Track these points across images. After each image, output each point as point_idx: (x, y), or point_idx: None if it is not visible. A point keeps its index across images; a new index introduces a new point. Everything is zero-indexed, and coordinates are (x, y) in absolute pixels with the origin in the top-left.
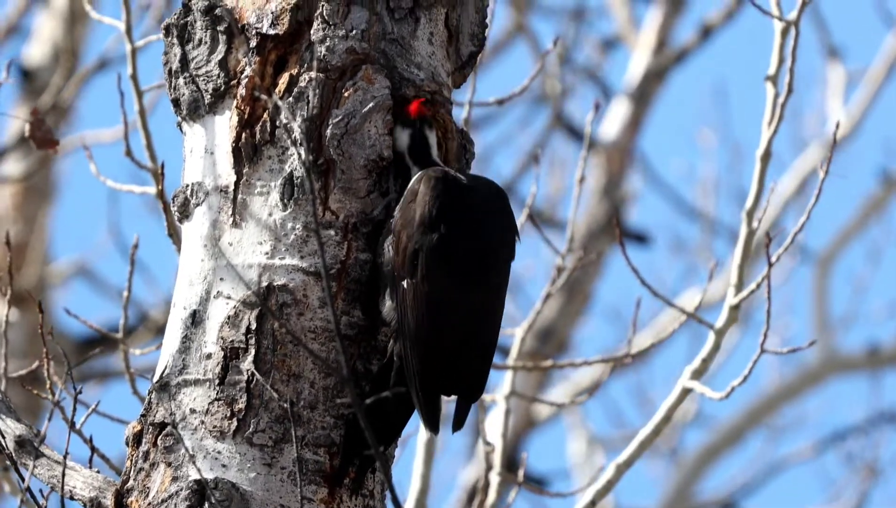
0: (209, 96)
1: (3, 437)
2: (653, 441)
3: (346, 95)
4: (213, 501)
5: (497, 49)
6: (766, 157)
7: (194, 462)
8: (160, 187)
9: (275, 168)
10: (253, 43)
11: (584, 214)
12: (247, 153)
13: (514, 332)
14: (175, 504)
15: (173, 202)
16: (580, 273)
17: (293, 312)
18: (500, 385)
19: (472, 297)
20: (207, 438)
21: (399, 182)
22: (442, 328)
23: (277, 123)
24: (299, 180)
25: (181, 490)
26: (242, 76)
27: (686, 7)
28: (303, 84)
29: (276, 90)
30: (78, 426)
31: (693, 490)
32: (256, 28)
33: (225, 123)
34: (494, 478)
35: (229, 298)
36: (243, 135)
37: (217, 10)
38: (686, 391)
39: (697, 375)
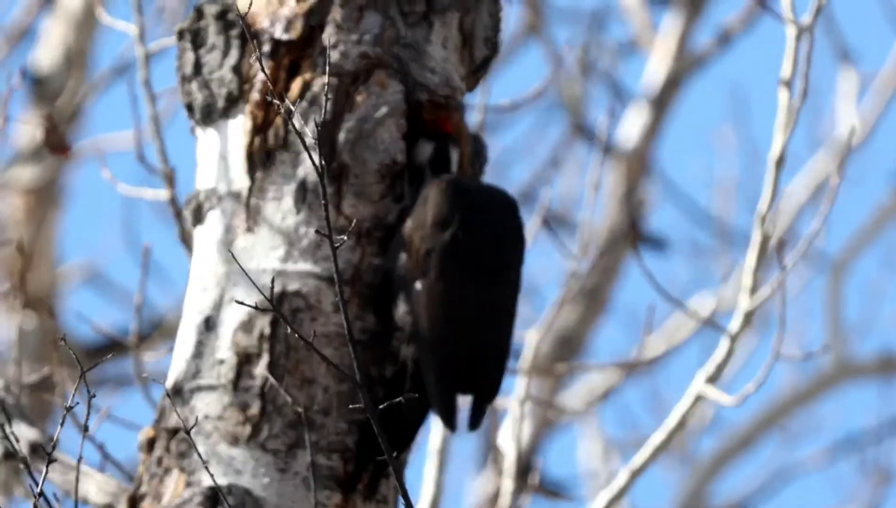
0: (222, 101)
1: (17, 441)
2: (666, 447)
3: (359, 99)
4: (227, 507)
5: (511, 51)
6: (781, 161)
7: (207, 468)
8: (172, 192)
9: (288, 173)
10: (266, 48)
11: (603, 220)
12: (260, 158)
13: (529, 336)
14: None
15: (186, 207)
16: (600, 279)
17: (306, 317)
18: (514, 390)
19: (486, 296)
20: (221, 444)
21: (413, 187)
22: (457, 326)
23: (290, 128)
24: (312, 185)
25: (195, 495)
26: (255, 81)
27: (705, 12)
28: (316, 89)
29: (289, 95)
30: (90, 431)
31: (706, 495)
32: (269, 33)
33: (238, 128)
34: (507, 484)
35: (243, 303)
36: (256, 140)
37: (230, 15)
38: (700, 397)
39: (711, 380)
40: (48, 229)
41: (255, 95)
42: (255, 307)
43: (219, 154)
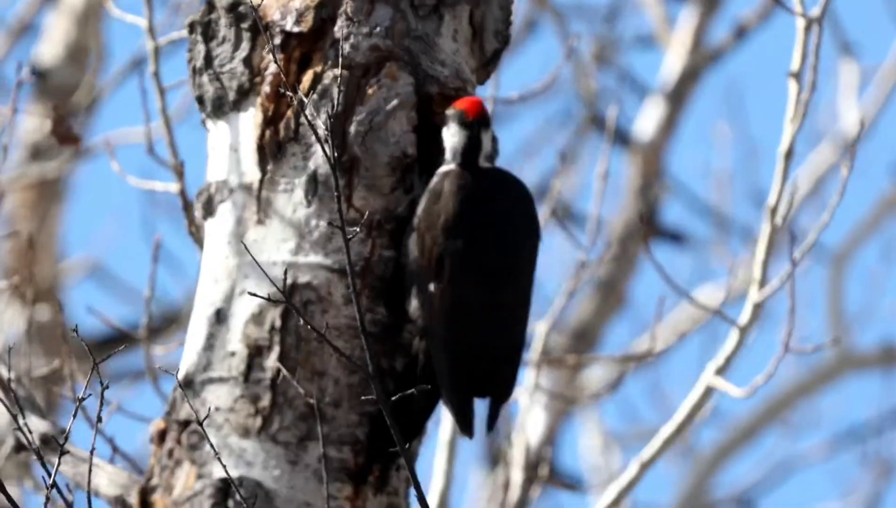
0: (233, 94)
1: (29, 433)
2: (676, 439)
3: (370, 92)
4: (238, 499)
5: (519, 41)
6: (789, 154)
7: (219, 460)
8: (182, 185)
9: (299, 165)
10: (277, 40)
11: (619, 213)
12: (271, 151)
13: (538, 328)
14: (200, 502)
15: (197, 200)
16: (616, 273)
17: (317, 309)
18: (524, 382)
19: (499, 299)
20: (232, 436)
21: (424, 179)
22: (470, 332)
23: (301, 120)
24: (323, 178)
25: (206, 487)
26: (266, 74)
27: (721, 7)
28: (327, 81)
29: (301, 88)
30: (99, 426)
31: (708, 488)
32: (280, 25)
33: (249, 121)
34: (517, 476)
35: (254, 295)
36: (267, 132)
37: (241, 8)
38: (709, 389)
39: (720, 372)
40: (51, 224)
41: (266, 88)
42: (267, 299)
43: (230, 147)
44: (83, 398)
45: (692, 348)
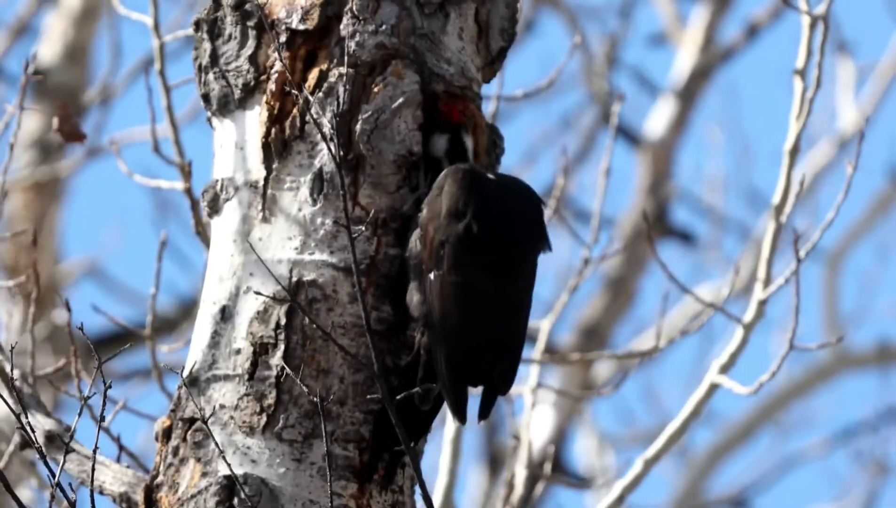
0: (239, 92)
1: (34, 431)
2: (680, 437)
3: (375, 90)
4: (243, 496)
5: (522, 38)
6: (795, 151)
7: (224, 458)
8: (188, 184)
9: (304, 163)
10: (283, 38)
11: (630, 212)
12: (276, 149)
13: (542, 324)
14: (205, 500)
15: (203, 197)
16: (626, 271)
17: (323, 307)
18: (527, 379)
19: (499, 288)
20: (237, 433)
21: (429, 177)
22: (469, 318)
23: (307, 118)
24: (328, 176)
25: (211, 485)
26: (272, 72)
27: (732, 5)
28: (332, 79)
29: (306, 86)
30: (106, 423)
31: (704, 488)
32: (286, 23)
33: (255, 119)
34: (520, 473)
35: (259, 293)
36: (273, 130)
37: (247, 6)
38: (714, 386)
39: (724, 370)
40: (50, 224)
41: (271, 86)
42: (273, 297)
43: (235, 145)
44: (88, 396)
45: (686, 350)
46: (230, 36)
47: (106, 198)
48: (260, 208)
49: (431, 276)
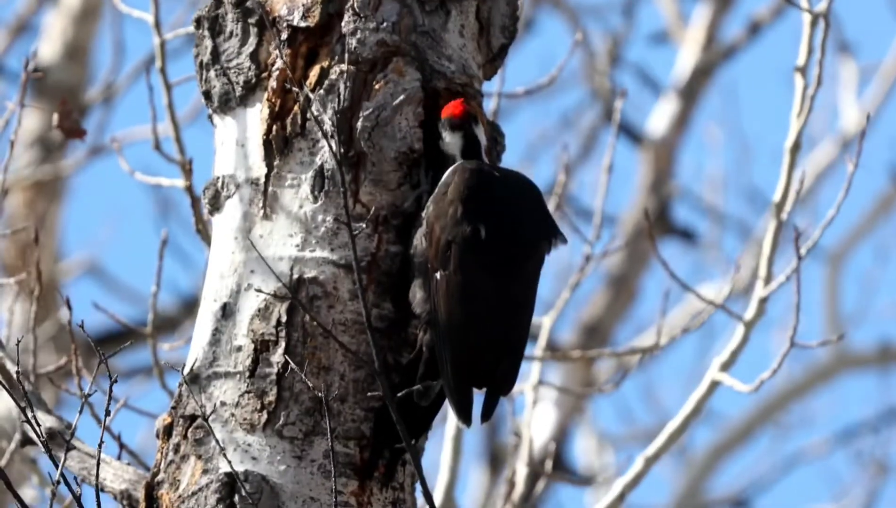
0: (240, 89)
1: (37, 428)
2: (681, 435)
3: (376, 87)
4: (244, 494)
5: (522, 36)
6: (796, 148)
7: (225, 455)
8: (188, 182)
9: (305, 161)
10: (284, 35)
11: (633, 210)
12: (277, 146)
13: (544, 321)
14: (205, 497)
15: (204, 195)
16: (628, 269)
17: (323, 304)
18: (529, 376)
19: (504, 288)
20: (238, 431)
21: (430, 174)
22: (474, 319)
23: (308, 115)
24: (329, 173)
25: (211, 482)
26: (273, 69)
27: (734, 3)
28: (334, 77)
29: (307, 83)
30: (108, 421)
31: (704, 488)
32: (287, 20)
33: (256, 116)
34: (521, 470)
35: (260, 290)
36: (274, 127)
37: (248, 3)
38: (714, 384)
39: (725, 367)
40: (50, 222)
41: (272, 83)
42: (274, 295)
43: (236, 142)
44: (90, 394)
45: (686, 349)
46: (231, 33)
47: (107, 196)
48: (261, 205)
49: (438, 276)
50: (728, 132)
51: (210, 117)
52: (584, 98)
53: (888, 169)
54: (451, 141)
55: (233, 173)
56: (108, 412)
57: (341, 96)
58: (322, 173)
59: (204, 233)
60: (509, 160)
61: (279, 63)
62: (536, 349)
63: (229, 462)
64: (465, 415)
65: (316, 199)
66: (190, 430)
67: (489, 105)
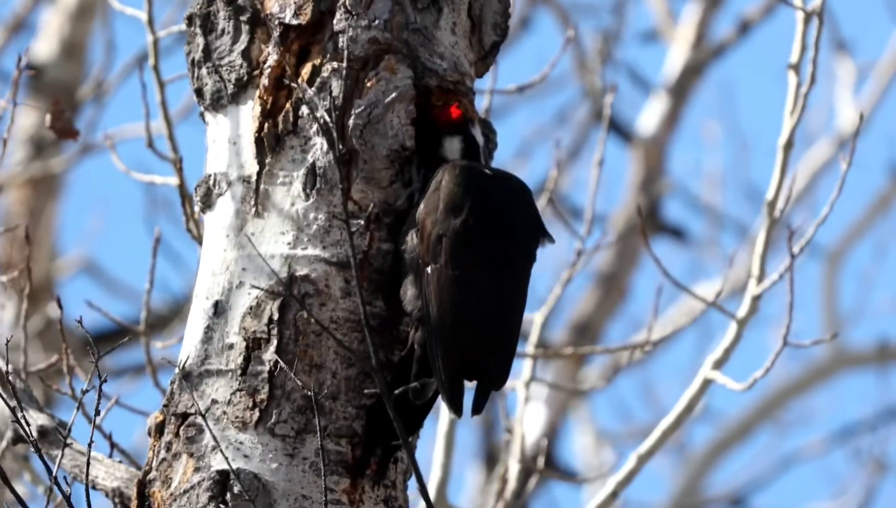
0: (232, 86)
1: (28, 426)
2: (673, 431)
3: (368, 85)
4: (235, 492)
5: (517, 35)
6: (789, 146)
7: (221, 451)
8: (181, 180)
9: (297, 158)
10: (276, 33)
11: (623, 208)
12: (269, 143)
13: (535, 318)
14: (197, 495)
15: (196, 193)
16: (618, 267)
17: (315, 302)
18: (520, 373)
19: (495, 282)
20: (230, 429)
21: (422, 172)
22: (465, 312)
23: (300, 113)
24: (321, 171)
25: (203, 480)
26: (265, 66)
27: (724, 2)
28: (325, 74)
29: (299, 81)
30: (98, 419)
31: (701, 486)
32: (279, 18)
33: (248, 114)
34: (513, 467)
35: (256, 287)
36: (266, 125)
37: (240, 0)
38: (707, 382)
39: (718, 366)
40: (45, 220)
41: (264, 81)
42: (267, 291)
43: (228, 140)
44: (84, 392)
45: (683, 348)
46: (223, 31)
47: (100, 194)
48: (253, 202)
49: (429, 269)
50: (725, 129)
51: (202, 115)
52: (575, 96)
53: (886, 167)
54: (451, 146)
55: (225, 171)
56: (97, 412)
57: (333, 94)
58: (314, 171)
59: (196, 232)
60: (502, 158)
61: (271, 61)
62: (528, 345)
63: (226, 458)
64: (455, 406)
65: (308, 197)
66: (182, 428)
67: (481, 103)
